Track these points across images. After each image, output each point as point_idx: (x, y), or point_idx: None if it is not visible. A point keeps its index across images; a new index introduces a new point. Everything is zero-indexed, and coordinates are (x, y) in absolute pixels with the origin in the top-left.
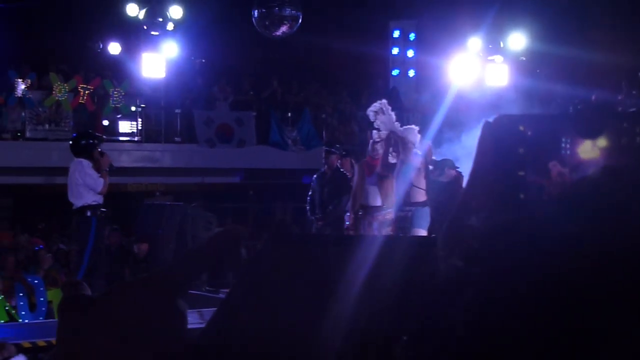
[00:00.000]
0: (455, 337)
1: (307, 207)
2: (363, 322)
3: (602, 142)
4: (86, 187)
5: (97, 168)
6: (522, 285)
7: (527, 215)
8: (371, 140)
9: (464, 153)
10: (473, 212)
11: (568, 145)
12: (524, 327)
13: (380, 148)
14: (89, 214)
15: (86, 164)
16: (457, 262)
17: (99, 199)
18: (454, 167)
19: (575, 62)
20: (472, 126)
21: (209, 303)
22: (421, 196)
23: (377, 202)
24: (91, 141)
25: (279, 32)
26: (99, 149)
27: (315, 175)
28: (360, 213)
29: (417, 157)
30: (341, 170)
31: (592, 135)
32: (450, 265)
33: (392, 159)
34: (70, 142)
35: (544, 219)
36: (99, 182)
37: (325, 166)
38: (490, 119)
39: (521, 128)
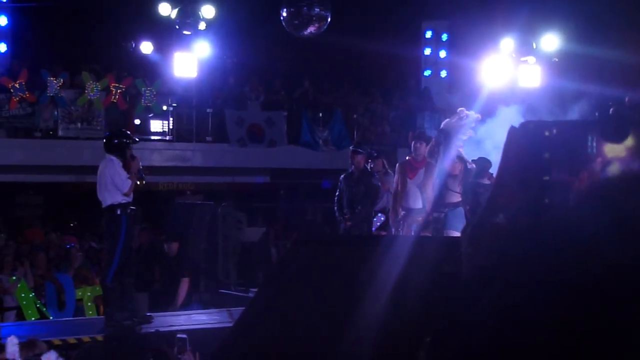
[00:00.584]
0: (479, 335)
1: (335, 208)
2: (391, 322)
3: (629, 142)
4: (113, 185)
5: (127, 169)
6: (547, 286)
7: (553, 218)
8: (414, 142)
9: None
10: (499, 213)
11: (594, 148)
12: (547, 327)
13: (429, 149)
14: (118, 212)
15: (117, 162)
16: (482, 261)
17: (129, 197)
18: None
19: (609, 63)
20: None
21: (238, 302)
22: (455, 197)
23: (418, 204)
24: (125, 140)
25: (307, 32)
26: (131, 152)
27: (342, 176)
28: (402, 214)
29: (453, 159)
30: (369, 170)
31: (617, 139)
32: (475, 265)
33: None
34: (104, 139)
35: (569, 223)
36: (126, 183)
37: (353, 166)
38: (516, 125)
39: (546, 133)
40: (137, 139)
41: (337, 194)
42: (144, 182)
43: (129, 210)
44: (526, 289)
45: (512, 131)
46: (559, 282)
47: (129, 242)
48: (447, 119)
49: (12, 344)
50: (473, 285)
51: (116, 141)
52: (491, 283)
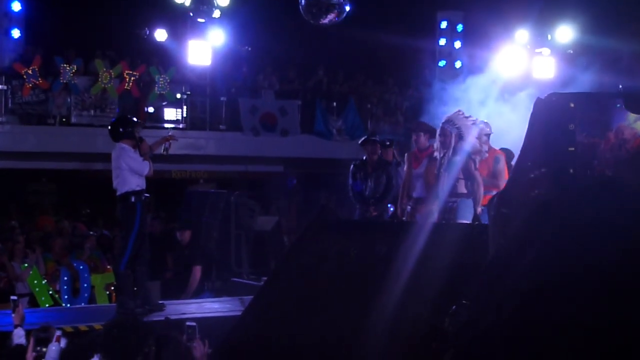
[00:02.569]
0: (504, 310)
1: (352, 197)
2: (411, 306)
3: None
4: (131, 171)
5: (139, 152)
6: (577, 262)
7: (578, 191)
8: (413, 134)
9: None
10: (525, 182)
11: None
12: (574, 308)
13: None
14: (133, 199)
15: (128, 148)
16: (504, 241)
17: (143, 184)
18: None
19: (623, 54)
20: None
21: (251, 291)
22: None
23: (422, 193)
24: (129, 129)
25: (325, 20)
26: (138, 135)
27: (354, 166)
28: (408, 203)
29: (464, 150)
30: (386, 160)
31: None
32: (500, 245)
33: (436, 153)
34: (109, 128)
35: (594, 195)
36: (145, 165)
37: (366, 156)
38: (542, 97)
39: (571, 105)
40: (143, 122)
41: (350, 183)
42: (168, 151)
43: (143, 198)
44: (552, 265)
45: (538, 103)
46: (588, 259)
47: (142, 229)
48: (454, 113)
49: (18, 337)
50: (496, 266)
51: (122, 129)
52: (515, 263)
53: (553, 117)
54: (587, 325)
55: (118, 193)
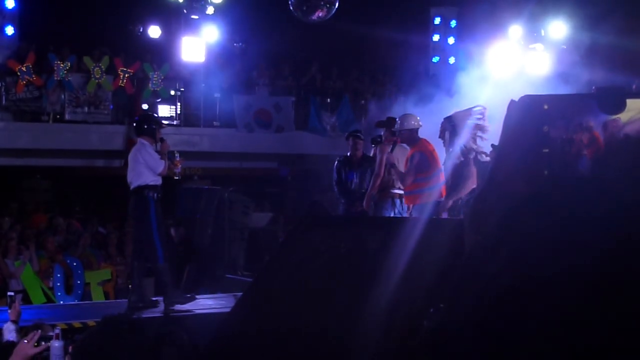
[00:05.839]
0: (479, 309)
1: (337, 193)
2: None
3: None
4: (147, 167)
5: (158, 151)
6: (547, 261)
7: (552, 189)
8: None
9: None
10: (499, 188)
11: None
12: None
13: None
14: (146, 193)
15: (148, 145)
16: (480, 238)
17: (158, 180)
18: None
19: (617, 50)
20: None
21: (245, 287)
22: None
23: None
24: (153, 126)
25: (314, 17)
26: (160, 135)
27: (338, 161)
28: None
29: (461, 148)
30: (368, 155)
31: (613, 111)
32: (476, 242)
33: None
34: (134, 123)
35: (569, 193)
36: (160, 163)
37: (350, 152)
38: (516, 99)
39: (545, 107)
40: (164, 123)
41: (335, 178)
42: (177, 171)
43: (157, 192)
44: (527, 264)
45: (512, 105)
46: (560, 255)
47: (160, 222)
48: (462, 110)
49: (9, 331)
50: (474, 261)
51: (146, 126)
52: (491, 259)
53: (526, 119)
54: (566, 322)
55: (132, 187)
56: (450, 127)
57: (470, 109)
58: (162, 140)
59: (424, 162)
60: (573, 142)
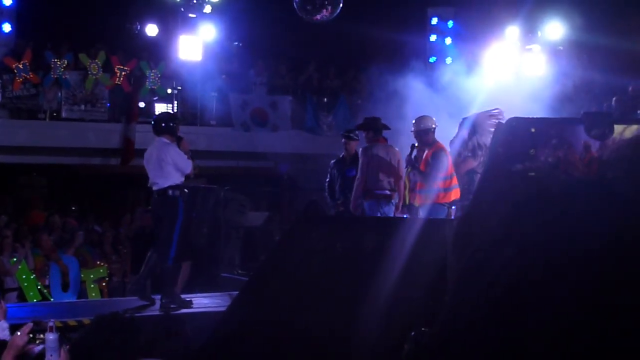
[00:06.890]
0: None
1: (326, 193)
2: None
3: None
4: (176, 167)
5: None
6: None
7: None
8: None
9: None
10: (485, 206)
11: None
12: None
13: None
14: (173, 193)
15: (172, 144)
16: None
17: (182, 179)
18: None
19: (613, 51)
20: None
21: (241, 286)
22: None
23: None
24: (172, 124)
25: (319, 17)
26: (178, 134)
27: (333, 162)
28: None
29: (454, 144)
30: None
31: (601, 137)
32: (458, 266)
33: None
34: (152, 122)
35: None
36: (188, 163)
37: (344, 152)
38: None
39: (532, 130)
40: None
41: (327, 179)
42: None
43: (185, 192)
44: (508, 286)
45: (499, 128)
46: (560, 255)
47: (186, 224)
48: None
49: (2, 329)
50: (460, 283)
51: (164, 124)
52: (476, 280)
53: (513, 142)
54: (564, 325)
55: (157, 187)
56: (471, 127)
57: (489, 110)
58: (180, 138)
59: (446, 162)
60: (562, 163)
